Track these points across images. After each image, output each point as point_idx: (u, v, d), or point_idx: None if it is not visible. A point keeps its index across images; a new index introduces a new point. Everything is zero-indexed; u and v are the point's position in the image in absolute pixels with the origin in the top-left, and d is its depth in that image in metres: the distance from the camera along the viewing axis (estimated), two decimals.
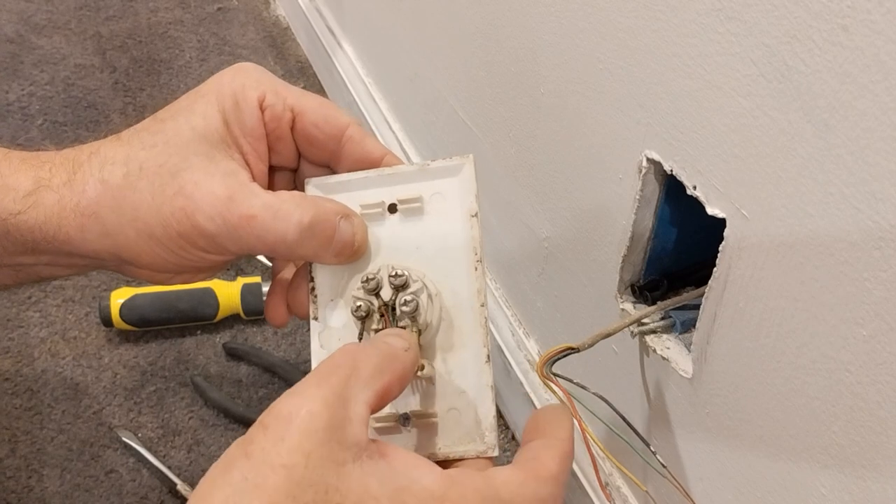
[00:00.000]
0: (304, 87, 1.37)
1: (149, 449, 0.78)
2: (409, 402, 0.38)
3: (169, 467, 0.76)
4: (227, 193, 0.36)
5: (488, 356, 0.37)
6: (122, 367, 0.85)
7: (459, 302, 0.38)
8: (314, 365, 0.38)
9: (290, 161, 0.41)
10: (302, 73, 1.26)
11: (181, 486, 0.75)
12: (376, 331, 0.37)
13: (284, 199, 0.36)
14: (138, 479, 0.76)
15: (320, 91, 1.23)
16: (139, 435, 0.79)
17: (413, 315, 0.36)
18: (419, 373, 0.36)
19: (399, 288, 0.36)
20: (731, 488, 0.48)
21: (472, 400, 0.37)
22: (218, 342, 0.88)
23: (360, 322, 0.37)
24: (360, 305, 0.36)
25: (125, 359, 0.86)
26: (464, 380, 0.37)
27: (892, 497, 0.36)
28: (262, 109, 0.38)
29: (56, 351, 0.87)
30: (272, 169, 0.41)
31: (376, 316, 0.37)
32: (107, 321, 0.86)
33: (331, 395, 0.29)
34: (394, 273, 0.36)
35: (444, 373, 0.38)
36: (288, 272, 0.44)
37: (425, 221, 0.39)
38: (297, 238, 0.36)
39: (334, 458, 0.28)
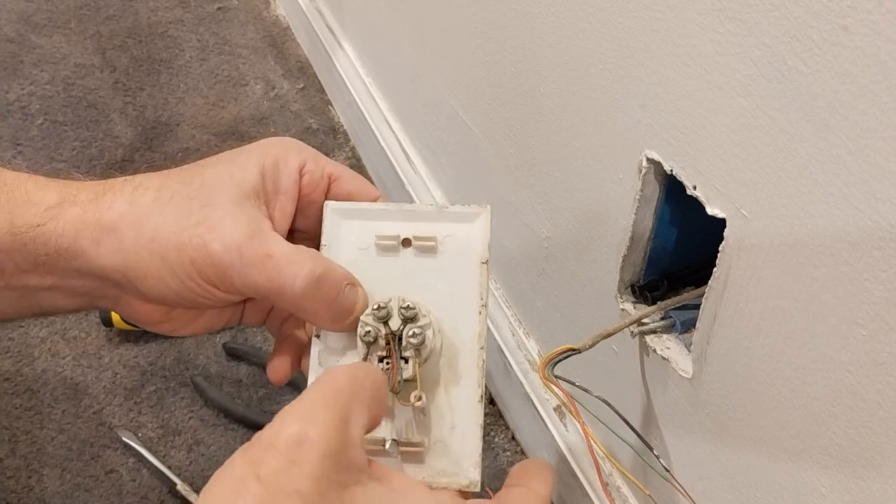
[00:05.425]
0: (303, 87, 1.36)
1: (149, 449, 0.78)
2: (398, 429, 0.39)
3: (169, 467, 0.76)
4: (249, 232, 0.37)
5: (481, 396, 0.38)
6: (122, 367, 0.85)
7: (460, 341, 0.39)
8: (311, 381, 0.39)
9: (314, 226, 0.43)
10: (302, 73, 1.26)
11: (181, 486, 0.75)
12: (380, 357, 0.38)
13: (301, 250, 0.38)
14: (138, 479, 0.76)
15: (320, 91, 1.23)
16: (139, 435, 0.79)
17: (418, 348, 0.37)
18: (415, 403, 0.37)
19: (408, 320, 0.38)
20: (731, 488, 0.48)
21: (461, 436, 0.38)
22: (218, 342, 0.88)
23: (365, 347, 0.38)
24: (368, 331, 0.38)
25: (125, 359, 0.86)
26: (455, 415, 0.39)
27: (892, 497, 0.36)
28: (301, 175, 0.41)
29: (56, 351, 0.87)
30: (294, 231, 0.43)
31: (382, 342, 0.38)
32: (107, 321, 0.86)
33: (337, 418, 0.30)
34: (405, 305, 0.38)
35: (437, 406, 0.39)
36: (301, 333, 0.45)
37: (437, 260, 0.40)
38: (304, 287, 0.37)
39: (341, 481, 0.29)
